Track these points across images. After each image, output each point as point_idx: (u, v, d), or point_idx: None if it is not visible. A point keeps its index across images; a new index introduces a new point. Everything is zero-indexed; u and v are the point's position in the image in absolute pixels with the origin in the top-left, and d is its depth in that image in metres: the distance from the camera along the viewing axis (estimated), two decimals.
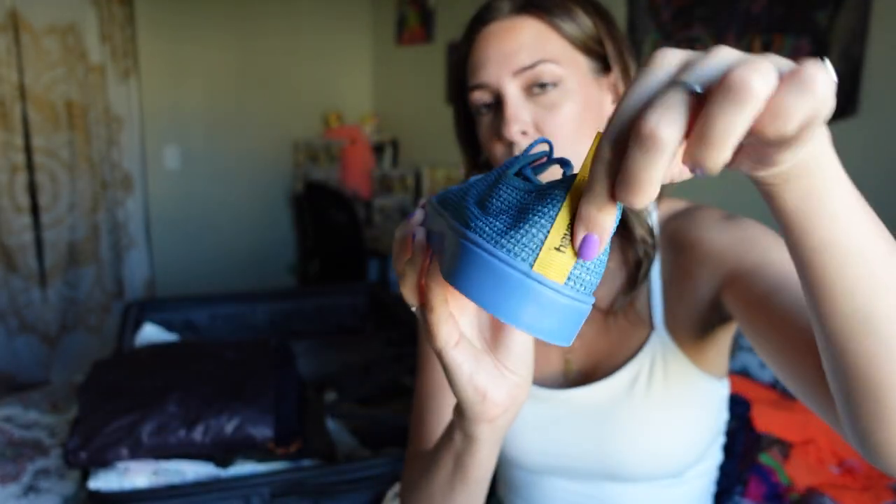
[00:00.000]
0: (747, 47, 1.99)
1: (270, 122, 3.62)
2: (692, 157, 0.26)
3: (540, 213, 0.32)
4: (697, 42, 2.11)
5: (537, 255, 0.31)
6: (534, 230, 0.32)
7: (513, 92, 0.65)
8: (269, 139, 3.63)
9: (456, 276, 0.33)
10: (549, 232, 0.31)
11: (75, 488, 1.27)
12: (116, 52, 3.07)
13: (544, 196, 0.33)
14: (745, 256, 0.61)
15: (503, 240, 0.32)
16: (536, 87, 0.65)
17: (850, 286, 0.35)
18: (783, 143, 0.27)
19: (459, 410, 0.48)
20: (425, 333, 0.42)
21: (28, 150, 2.96)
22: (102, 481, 1.09)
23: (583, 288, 0.32)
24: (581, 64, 0.66)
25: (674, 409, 0.68)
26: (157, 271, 3.40)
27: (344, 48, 3.82)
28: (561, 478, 0.74)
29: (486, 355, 0.44)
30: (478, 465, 0.52)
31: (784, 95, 0.25)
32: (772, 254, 0.59)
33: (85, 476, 1.11)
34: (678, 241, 0.70)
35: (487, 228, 0.34)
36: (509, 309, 0.31)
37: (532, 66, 0.64)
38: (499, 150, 0.67)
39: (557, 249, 0.31)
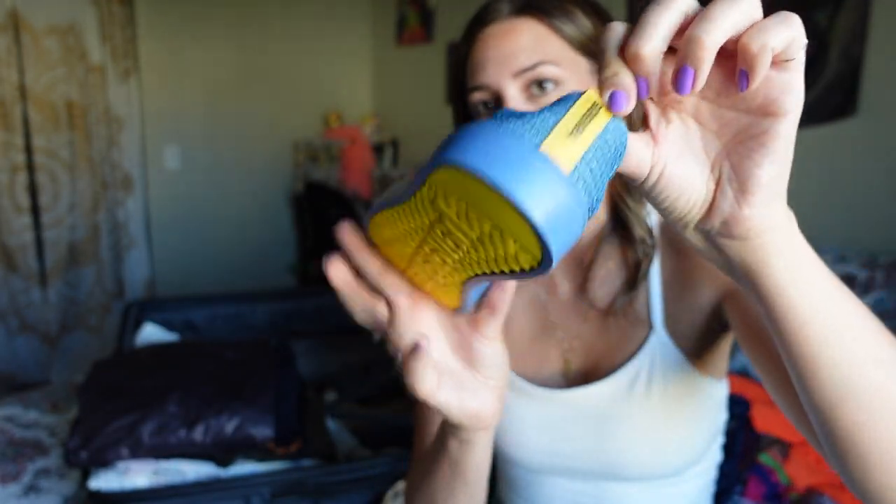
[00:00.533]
0: None
1: (270, 122, 3.61)
2: (689, 37, 0.29)
3: (554, 106, 0.31)
4: None
5: (548, 134, 0.29)
6: (546, 114, 0.30)
7: (513, 94, 0.65)
8: (269, 139, 3.63)
9: (448, 150, 0.30)
10: (563, 116, 0.30)
11: (75, 488, 1.27)
12: (117, 52, 3.07)
13: (557, 102, 0.31)
14: None
15: (508, 123, 0.30)
16: (536, 89, 0.65)
17: (834, 357, 0.36)
18: (771, 105, 0.30)
19: (452, 424, 0.48)
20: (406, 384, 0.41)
21: (28, 150, 2.97)
22: (103, 481, 1.09)
23: (584, 188, 0.30)
24: (581, 65, 0.67)
25: (673, 410, 0.68)
26: (157, 271, 3.40)
27: (344, 48, 3.82)
28: (561, 477, 0.74)
29: (466, 373, 0.44)
30: (475, 466, 0.52)
31: (768, 20, 0.29)
32: None
33: (85, 476, 1.11)
34: (679, 243, 0.70)
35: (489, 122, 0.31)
36: (503, 177, 0.28)
37: (532, 68, 0.64)
38: None
39: (570, 134, 0.29)
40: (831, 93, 1.81)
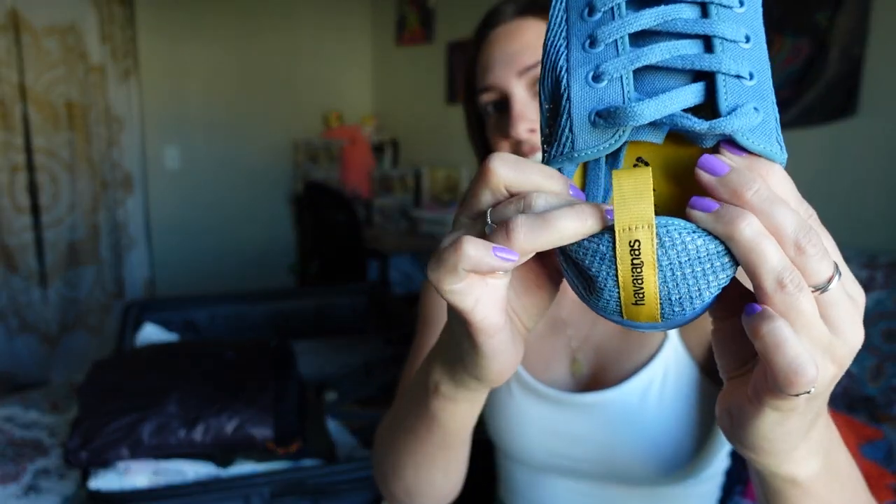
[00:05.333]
0: None
1: (270, 122, 3.62)
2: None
3: (602, 282, 0.31)
4: None
5: (620, 311, 0.31)
6: (604, 301, 0.31)
7: (519, 92, 0.66)
8: (269, 139, 3.63)
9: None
10: (619, 298, 0.31)
11: (75, 488, 1.27)
12: (117, 52, 3.07)
13: (594, 255, 0.31)
14: None
15: (590, 304, 0.33)
16: None
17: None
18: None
19: (461, 379, 0.43)
20: (473, 321, 0.34)
21: (28, 150, 2.97)
22: (102, 481, 1.09)
23: (680, 312, 0.31)
24: None
25: (684, 419, 0.68)
26: (157, 271, 3.40)
27: (344, 48, 3.82)
28: (564, 478, 0.74)
29: (513, 325, 0.39)
30: (457, 428, 0.50)
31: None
32: None
33: (85, 476, 1.11)
34: None
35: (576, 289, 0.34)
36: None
37: (536, 65, 0.65)
38: (505, 148, 0.69)
39: (635, 304, 0.30)
40: (831, 93, 1.81)
